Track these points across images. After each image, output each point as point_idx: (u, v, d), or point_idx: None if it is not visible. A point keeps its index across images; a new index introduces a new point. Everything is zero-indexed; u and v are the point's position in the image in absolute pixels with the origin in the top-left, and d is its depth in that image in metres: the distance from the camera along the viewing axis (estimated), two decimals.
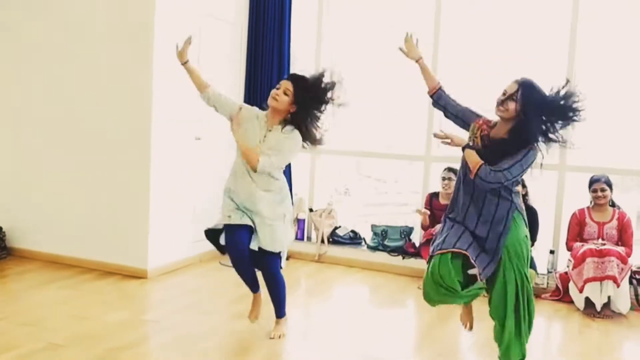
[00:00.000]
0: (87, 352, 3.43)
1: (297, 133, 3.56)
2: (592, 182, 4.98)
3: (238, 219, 3.57)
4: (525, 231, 3.21)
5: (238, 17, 5.95)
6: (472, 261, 3.13)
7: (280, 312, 3.85)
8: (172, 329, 3.89)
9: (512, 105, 3.01)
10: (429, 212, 5.29)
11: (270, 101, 3.55)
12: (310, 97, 3.53)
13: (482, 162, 3.03)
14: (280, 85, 3.55)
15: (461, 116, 3.32)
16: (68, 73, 5.20)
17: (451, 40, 5.64)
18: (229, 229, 3.60)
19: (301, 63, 6.39)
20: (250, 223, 3.58)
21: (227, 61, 5.83)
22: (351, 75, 6.63)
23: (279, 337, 3.79)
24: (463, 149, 3.13)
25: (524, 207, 3.26)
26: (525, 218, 3.25)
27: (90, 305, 4.26)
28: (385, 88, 6.40)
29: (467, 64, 5.78)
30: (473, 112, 3.31)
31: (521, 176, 3.08)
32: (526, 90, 3.00)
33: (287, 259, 5.81)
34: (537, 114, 2.99)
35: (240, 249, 3.58)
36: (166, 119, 5.04)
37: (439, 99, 3.40)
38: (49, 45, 5.26)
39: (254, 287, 3.83)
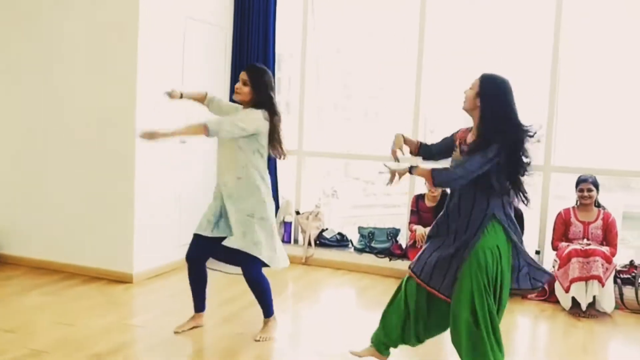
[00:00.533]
0: (71, 358, 3.40)
1: (256, 110, 3.61)
2: (579, 181, 5.02)
3: (202, 230, 3.74)
4: (499, 241, 3.00)
5: (222, 20, 5.94)
6: (425, 285, 3.14)
7: (265, 312, 3.84)
8: (158, 333, 3.86)
9: (468, 93, 3.03)
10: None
11: (235, 97, 3.70)
12: (265, 81, 3.66)
13: (431, 168, 3.02)
14: (240, 79, 3.69)
15: (445, 149, 3.29)
16: (51, 77, 5.16)
17: (436, 39, 5.65)
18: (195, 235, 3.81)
19: (286, 64, 6.40)
20: (217, 234, 3.72)
21: (211, 63, 5.81)
22: (338, 77, 6.67)
23: (265, 339, 3.77)
24: (410, 172, 3.12)
25: (508, 218, 3.05)
26: (509, 228, 3.03)
27: (75, 310, 4.23)
28: (372, 89, 6.41)
29: (453, 67, 5.82)
30: (449, 136, 3.28)
31: (482, 169, 2.93)
32: (484, 82, 3.00)
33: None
34: (493, 105, 2.96)
35: (190, 257, 3.79)
36: (151, 123, 4.99)
37: (425, 153, 3.38)
38: (32, 51, 5.22)
39: (197, 304, 3.93)
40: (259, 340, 3.75)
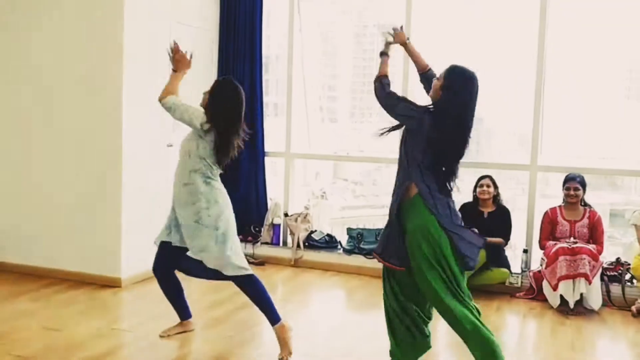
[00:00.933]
0: None
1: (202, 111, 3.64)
2: (567, 180, 5.05)
3: (160, 236, 3.76)
4: (423, 219, 2.92)
5: (208, 23, 5.92)
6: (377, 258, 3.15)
7: (269, 320, 3.63)
8: (146, 337, 3.85)
9: (435, 83, 3.03)
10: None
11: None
12: (223, 96, 3.65)
13: (386, 73, 3.12)
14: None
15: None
16: (38, 81, 5.13)
17: (423, 38, 5.67)
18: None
19: (274, 67, 6.40)
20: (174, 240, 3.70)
21: (198, 67, 5.76)
22: (324, 78, 6.68)
23: (286, 356, 3.55)
24: (380, 54, 3.19)
25: (431, 191, 2.96)
26: (429, 201, 2.94)
27: (63, 316, 4.20)
28: (358, 91, 6.43)
29: (440, 66, 5.85)
30: None
31: (395, 113, 3.02)
32: (450, 76, 2.98)
33: (262, 264, 5.82)
34: (452, 100, 2.94)
35: (154, 268, 3.82)
36: (138, 126, 4.99)
37: (425, 81, 3.33)
38: (15, 57, 5.19)
39: (180, 312, 3.92)
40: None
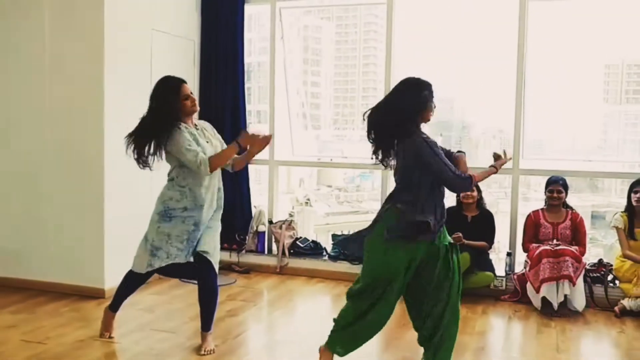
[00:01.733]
0: None
1: None
2: (550, 182, 5.10)
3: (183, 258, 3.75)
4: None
5: (189, 31, 5.91)
6: None
7: (211, 325, 3.82)
8: (131, 348, 3.82)
9: None
10: None
11: (194, 109, 3.79)
12: None
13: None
14: (190, 93, 3.81)
15: None
16: (19, 90, 5.09)
17: (405, 45, 5.72)
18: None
19: (256, 75, 6.39)
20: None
21: (180, 76, 5.76)
22: (307, 86, 6.70)
23: (211, 351, 3.73)
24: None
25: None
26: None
27: (45, 328, 4.14)
28: (340, 97, 6.45)
29: (423, 71, 5.89)
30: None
31: None
32: None
33: (247, 272, 5.81)
34: None
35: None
36: (119, 135, 4.94)
37: None
38: None
39: (119, 305, 4.00)
40: (205, 354, 3.69)
